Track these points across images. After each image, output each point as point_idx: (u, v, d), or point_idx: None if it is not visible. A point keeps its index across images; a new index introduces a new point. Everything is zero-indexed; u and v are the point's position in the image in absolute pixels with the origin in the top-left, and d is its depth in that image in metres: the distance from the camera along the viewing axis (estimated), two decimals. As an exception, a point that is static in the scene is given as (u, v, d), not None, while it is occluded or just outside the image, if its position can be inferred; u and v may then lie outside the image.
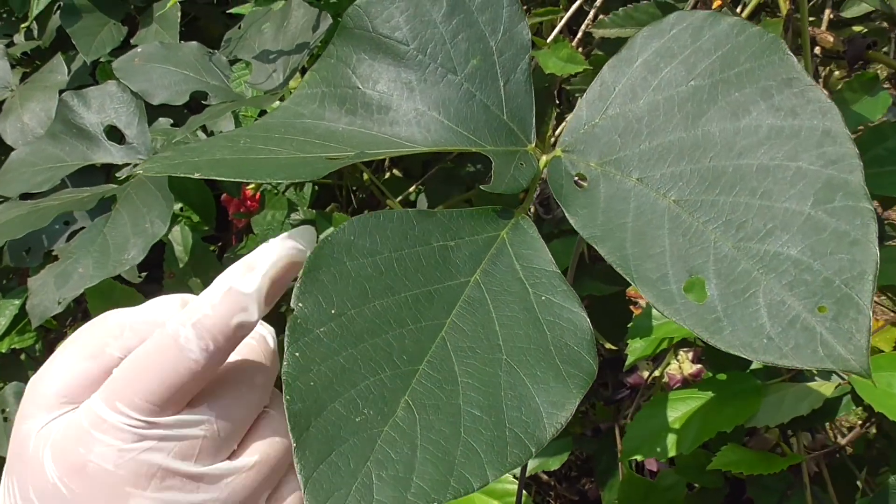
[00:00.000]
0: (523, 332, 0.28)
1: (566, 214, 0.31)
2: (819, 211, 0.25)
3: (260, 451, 0.29)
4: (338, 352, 0.25)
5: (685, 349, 0.87)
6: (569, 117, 0.36)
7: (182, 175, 0.29)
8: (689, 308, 0.26)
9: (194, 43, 0.74)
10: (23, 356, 1.11)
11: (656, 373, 0.81)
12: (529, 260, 0.30)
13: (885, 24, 0.76)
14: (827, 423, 0.75)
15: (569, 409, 0.25)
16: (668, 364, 0.82)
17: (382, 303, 0.27)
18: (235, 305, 0.27)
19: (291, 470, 0.30)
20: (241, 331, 0.27)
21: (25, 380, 1.07)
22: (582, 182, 0.32)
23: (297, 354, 0.25)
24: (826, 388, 0.51)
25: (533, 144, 0.35)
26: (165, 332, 0.27)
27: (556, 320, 0.28)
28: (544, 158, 0.34)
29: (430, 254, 0.29)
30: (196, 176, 0.29)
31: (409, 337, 0.27)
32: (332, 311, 0.26)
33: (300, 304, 0.26)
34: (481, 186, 0.34)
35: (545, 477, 1.45)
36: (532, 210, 0.81)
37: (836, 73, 0.88)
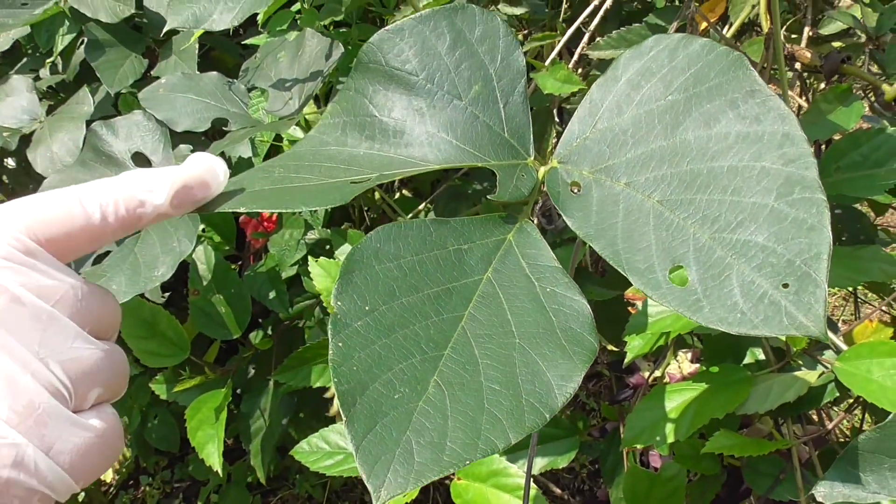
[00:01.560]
0: (532, 319, 0.31)
1: (563, 217, 0.35)
2: (781, 203, 0.29)
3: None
4: (374, 341, 0.29)
5: (684, 350, 0.90)
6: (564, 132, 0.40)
7: (229, 210, 0.33)
8: (673, 292, 0.30)
9: (214, 73, 0.78)
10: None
11: (657, 373, 0.84)
12: (534, 258, 0.34)
13: (862, 40, 0.79)
14: (822, 417, 0.78)
15: (576, 381, 0.29)
16: (668, 364, 0.85)
17: (409, 299, 0.31)
18: (143, 184, 0.28)
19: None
20: (143, 207, 0.28)
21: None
22: (576, 189, 0.36)
23: (339, 344, 0.29)
24: (810, 376, 0.54)
25: (532, 158, 0.39)
26: (68, 188, 0.28)
27: (561, 308, 0.31)
28: (543, 170, 0.38)
29: (447, 256, 0.33)
30: (242, 210, 0.33)
31: (434, 327, 0.30)
32: (367, 308, 0.30)
33: (339, 303, 0.30)
34: (488, 197, 0.38)
35: (558, 490, 1.48)
36: (535, 222, 0.84)
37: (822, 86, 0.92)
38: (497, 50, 0.39)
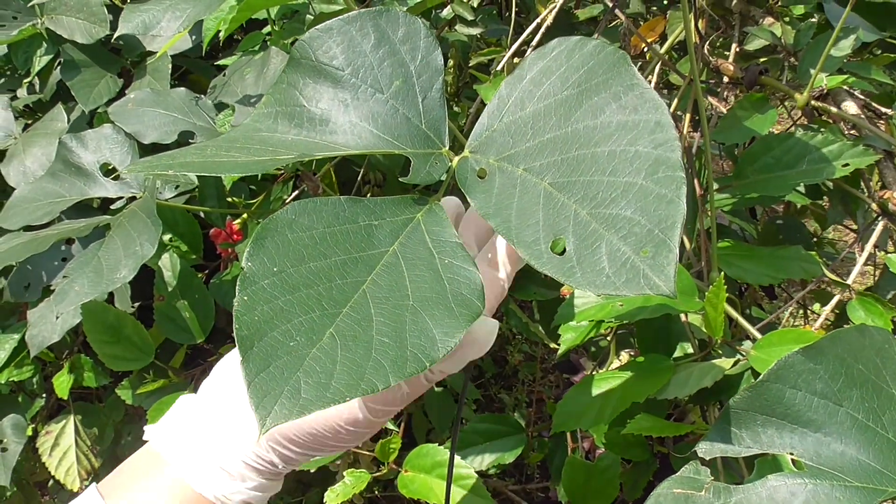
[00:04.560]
0: (428, 286, 0.33)
1: (468, 199, 0.37)
2: (648, 181, 0.32)
3: None
4: (278, 297, 0.31)
5: (627, 350, 0.92)
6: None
7: (159, 172, 0.35)
8: (552, 260, 0.32)
9: (182, 89, 0.80)
10: (20, 397, 1.13)
11: (600, 371, 0.86)
12: (438, 234, 0.36)
13: (782, 55, 0.83)
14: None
15: (458, 337, 0.31)
16: (612, 363, 0.87)
17: (316, 264, 0.33)
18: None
19: None
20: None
21: (22, 413, 1.09)
22: (483, 175, 0.38)
23: (245, 298, 0.31)
24: (726, 363, 0.56)
25: (447, 148, 0.41)
26: None
27: (455, 276, 0.34)
28: (456, 159, 0.40)
29: (357, 230, 0.35)
30: (170, 173, 0.35)
31: (337, 289, 0.32)
32: (275, 269, 0.32)
33: (249, 264, 0.32)
34: (400, 178, 0.40)
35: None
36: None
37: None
38: (418, 49, 0.42)
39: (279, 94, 0.42)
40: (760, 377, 0.35)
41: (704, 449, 0.36)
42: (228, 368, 0.40)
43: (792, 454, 0.34)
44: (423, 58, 0.42)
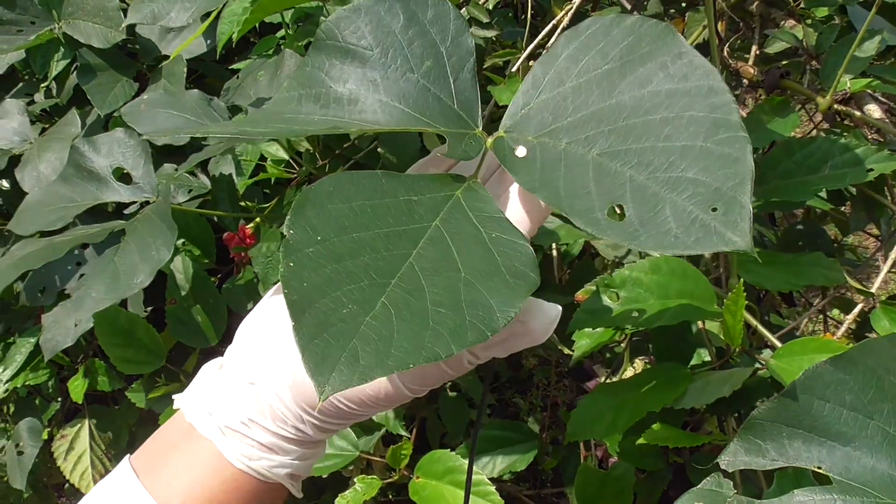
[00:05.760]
0: (479, 258, 0.30)
1: (512, 175, 0.34)
2: (708, 143, 0.29)
3: None
4: (324, 265, 0.28)
5: (642, 357, 0.88)
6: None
7: (188, 135, 0.32)
8: (612, 226, 0.29)
9: (196, 90, 0.77)
10: (37, 400, 1.09)
11: (615, 379, 0.83)
12: (481, 210, 0.33)
13: (804, 57, 0.79)
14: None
15: (518, 306, 0.28)
16: (626, 370, 0.84)
17: (359, 235, 0.30)
18: None
19: None
20: None
21: (38, 416, 1.05)
22: (522, 153, 0.35)
23: (290, 264, 0.28)
24: (746, 372, 0.52)
25: (480, 129, 0.38)
26: None
27: (506, 249, 0.30)
28: (490, 140, 0.37)
29: (397, 204, 0.32)
30: (198, 134, 0.32)
31: (383, 260, 0.29)
32: (318, 238, 0.29)
33: (291, 231, 0.29)
34: (439, 153, 0.37)
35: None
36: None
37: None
38: (448, 31, 0.39)
39: (303, 77, 0.39)
40: (787, 387, 0.32)
41: (727, 461, 0.33)
42: (253, 333, 0.36)
43: (820, 468, 0.31)
44: (453, 39, 0.39)
